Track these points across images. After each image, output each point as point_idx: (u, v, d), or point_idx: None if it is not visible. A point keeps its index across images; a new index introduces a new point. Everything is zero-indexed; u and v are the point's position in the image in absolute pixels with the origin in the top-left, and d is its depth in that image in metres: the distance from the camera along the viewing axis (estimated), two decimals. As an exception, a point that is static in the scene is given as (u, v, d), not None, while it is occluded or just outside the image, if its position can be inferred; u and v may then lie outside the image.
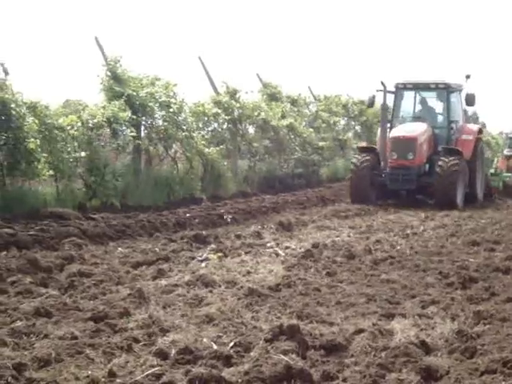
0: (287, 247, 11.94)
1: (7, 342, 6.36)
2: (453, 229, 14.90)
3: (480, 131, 22.30)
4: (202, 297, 8.36)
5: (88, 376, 5.47)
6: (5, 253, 10.75)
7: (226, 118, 21.83)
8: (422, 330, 6.92)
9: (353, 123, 31.70)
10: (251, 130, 23.97)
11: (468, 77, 21.92)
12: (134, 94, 17.62)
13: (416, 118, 21.60)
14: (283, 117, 24.86)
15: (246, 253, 11.40)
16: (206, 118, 21.21)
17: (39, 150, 13.92)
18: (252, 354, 6.11)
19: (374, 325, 7.01)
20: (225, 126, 22.27)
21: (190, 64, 22.45)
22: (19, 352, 6.09)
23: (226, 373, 5.56)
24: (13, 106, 13.56)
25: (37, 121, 14.23)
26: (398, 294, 8.68)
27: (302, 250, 11.69)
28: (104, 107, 16.71)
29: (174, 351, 6.10)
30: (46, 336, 6.62)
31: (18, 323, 7.05)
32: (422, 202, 20.74)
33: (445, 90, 21.59)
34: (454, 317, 7.45)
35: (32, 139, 13.76)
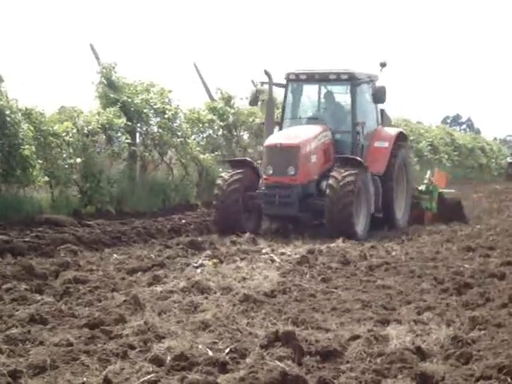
0: (282, 253, 11.95)
1: (2, 349, 6.35)
2: (448, 234, 14.92)
3: (402, 137, 16.88)
4: (197, 303, 8.35)
5: (83, 383, 5.49)
6: (0, 259, 10.73)
7: (221, 124, 21.85)
8: (417, 335, 6.92)
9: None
10: (246, 136, 23.98)
11: (383, 65, 16.38)
12: (129, 100, 17.62)
13: (312, 119, 16.22)
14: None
15: (242, 259, 11.40)
16: (200, 125, 21.21)
17: (34, 156, 13.91)
18: (247, 360, 6.12)
19: (369, 331, 7.02)
20: (220, 133, 22.27)
21: (184, 70, 22.52)
22: (14, 359, 6.08)
23: (222, 379, 5.57)
24: (8, 112, 13.56)
25: (32, 127, 14.24)
26: (394, 299, 8.69)
27: (298, 256, 11.70)
28: (99, 114, 16.71)
29: (169, 358, 6.10)
30: (41, 343, 6.62)
31: (14, 330, 7.03)
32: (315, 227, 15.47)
33: (349, 82, 16.05)
34: (450, 323, 7.46)
35: (27, 146, 13.75)
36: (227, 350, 6.33)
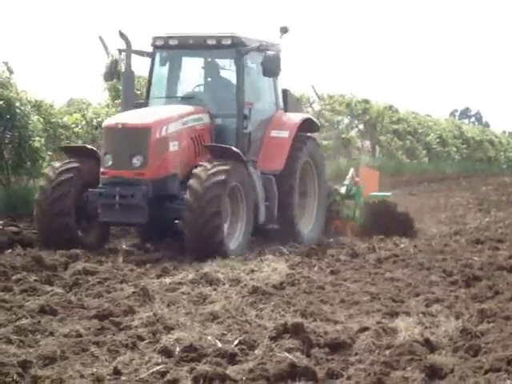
0: (291, 245, 11.95)
1: (13, 340, 6.40)
2: (456, 227, 14.90)
3: (310, 126, 13.11)
4: (206, 295, 8.39)
5: (93, 374, 5.49)
6: (10, 251, 10.78)
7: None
8: (426, 328, 6.93)
9: (356, 122, 31.69)
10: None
11: (284, 31, 12.89)
12: (139, 93, 17.62)
13: (186, 98, 12.37)
14: (287, 115, 24.82)
15: (250, 251, 11.41)
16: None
17: (44, 148, 13.98)
18: (256, 351, 6.14)
19: (378, 323, 7.03)
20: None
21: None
22: (24, 350, 6.13)
23: (231, 370, 5.59)
24: (17, 104, 13.62)
25: (41, 119, 14.28)
26: (402, 292, 8.69)
27: (306, 248, 11.70)
28: (108, 106, 16.74)
29: (178, 349, 6.13)
30: (51, 334, 6.66)
31: (23, 321, 7.07)
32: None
33: (233, 50, 12.12)
34: (458, 315, 7.46)
35: (37, 138, 13.81)
36: (236, 342, 6.35)
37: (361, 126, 31.82)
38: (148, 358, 5.91)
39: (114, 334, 6.65)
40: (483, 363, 5.73)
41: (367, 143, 31.53)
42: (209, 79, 12.79)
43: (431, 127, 35.95)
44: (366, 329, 6.79)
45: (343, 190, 14.11)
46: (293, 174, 12.44)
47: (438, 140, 35.52)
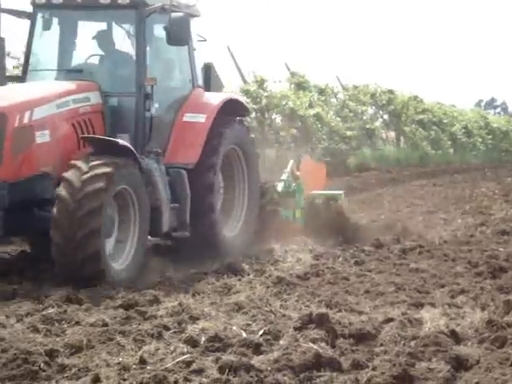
0: (315, 236, 11.92)
1: (39, 329, 6.46)
2: (482, 218, 14.81)
3: (236, 108, 10.71)
4: (230, 285, 8.41)
5: (119, 363, 5.52)
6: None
7: (254, 107, 21.85)
8: (451, 319, 6.90)
9: (381, 112, 31.59)
10: (278, 119, 23.97)
11: None
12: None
13: (74, 72, 9.85)
14: (310, 106, 24.82)
15: (275, 241, 11.39)
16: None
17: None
18: (281, 342, 6.14)
19: (403, 314, 7.01)
20: (252, 115, 22.29)
21: (218, 54, 22.45)
22: (51, 338, 6.18)
23: (256, 361, 5.59)
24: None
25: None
26: (427, 283, 8.66)
27: (332, 238, 11.67)
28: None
29: (203, 339, 6.14)
30: (77, 323, 6.71)
31: (50, 310, 7.14)
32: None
33: (132, 11, 9.72)
34: (484, 306, 7.42)
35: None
36: (261, 332, 6.36)
37: (385, 117, 31.72)
38: (173, 348, 5.92)
39: (139, 324, 6.69)
40: (509, 354, 5.70)
41: (392, 134, 31.43)
42: (103, 48, 10.12)
43: (456, 117, 35.78)
44: (390, 320, 6.77)
45: (280, 186, 11.78)
46: (211, 167, 9.97)
47: (463, 130, 35.34)
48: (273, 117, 23.55)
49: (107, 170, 8.44)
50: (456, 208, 16.88)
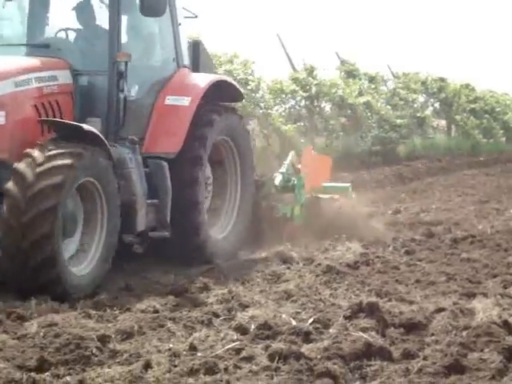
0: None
1: (91, 315, 6.54)
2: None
3: (227, 92, 9.59)
4: (280, 273, 8.41)
5: (170, 349, 5.56)
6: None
7: (304, 95, 21.78)
8: (504, 309, 6.80)
9: (431, 100, 31.27)
10: (328, 107, 23.88)
11: None
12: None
13: (39, 47, 8.68)
14: (360, 94, 24.67)
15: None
16: (283, 95, 21.20)
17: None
18: (331, 330, 6.12)
19: (454, 304, 6.94)
20: (302, 104, 22.23)
21: (268, 41, 22.47)
22: (103, 324, 6.25)
23: (306, 349, 5.58)
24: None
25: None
26: (479, 273, 8.56)
27: (381, 227, 11.60)
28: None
29: (253, 326, 6.15)
30: (128, 309, 6.77)
31: (102, 296, 7.22)
32: None
33: None
34: (537, 297, 7.32)
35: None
36: (311, 320, 6.35)
37: (436, 105, 31.39)
38: (223, 335, 5.94)
39: (189, 311, 6.72)
40: None
41: (443, 122, 31.09)
42: (76, 21, 9.06)
43: (509, 106, 35.25)
44: (442, 309, 6.71)
45: (278, 179, 10.66)
46: (197, 158, 8.87)
47: (516, 119, 34.82)
48: (322, 105, 23.46)
49: (67, 161, 7.23)
50: (508, 198, 16.61)
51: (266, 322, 6.16)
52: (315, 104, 22.84)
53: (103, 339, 5.69)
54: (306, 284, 7.81)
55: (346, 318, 6.39)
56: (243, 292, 7.44)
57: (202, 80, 9.29)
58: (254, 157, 10.21)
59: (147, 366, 5.11)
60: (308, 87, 21.97)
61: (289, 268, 8.72)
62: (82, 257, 7.66)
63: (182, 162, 8.78)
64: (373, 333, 5.96)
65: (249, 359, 5.32)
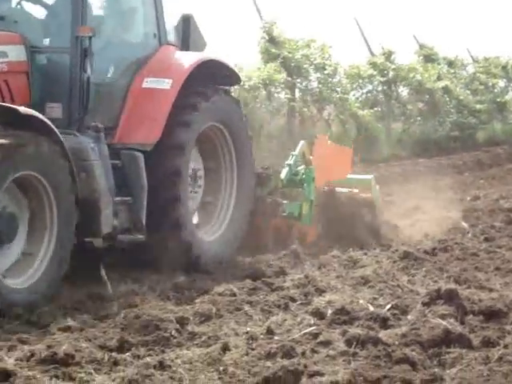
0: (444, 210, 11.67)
1: (170, 297, 6.64)
2: None
3: (219, 73, 8.43)
4: (356, 259, 8.38)
5: (247, 332, 5.59)
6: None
7: (381, 79, 21.60)
8: None
9: (512, 85, 30.66)
10: (405, 92, 23.63)
11: None
12: (290, 55, 17.71)
13: None
14: (439, 79, 24.33)
15: (401, 216, 11.26)
16: (360, 80, 21.06)
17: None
18: (409, 317, 6.07)
19: (536, 292, 6.81)
20: (379, 88, 22.05)
21: (345, 25, 22.31)
22: (181, 306, 6.33)
23: (383, 335, 5.55)
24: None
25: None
26: (562, 260, 8.36)
27: (459, 214, 11.44)
28: (260, 69, 16.90)
29: (330, 311, 6.14)
30: (206, 292, 6.84)
31: (180, 279, 7.31)
32: None
33: None
34: None
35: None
36: (388, 306, 6.31)
37: (517, 90, 30.74)
38: (300, 319, 5.96)
39: (266, 295, 6.76)
40: None
41: (524, 107, 30.45)
42: None
43: None
44: (522, 297, 6.59)
45: (284, 172, 9.24)
46: (178, 148, 7.75)
47: None
48: (399, 90, 23.23)
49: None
50: None
51: (343, 307, 6.14)
52: (392, 89, 22.63)
53: (182, 321, 5.77)
54: (384, 270, 7.75)
55: (424, 304, 6.32)
56: (320, 277, 7.43)
57: (187, 59, 8.10)
58: (252, 146, 8.85)
59: (225, 348, 5.15)
60: (385, 72, 21.77)
61: (366, 254, 8.68)
62: (21, 269, 6.37)
63: (161, 153, 7.62)
64: (451, 320, 5.88)
65: (326, 344, 5.31)
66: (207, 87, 8.17)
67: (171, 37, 8.27)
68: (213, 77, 8.29)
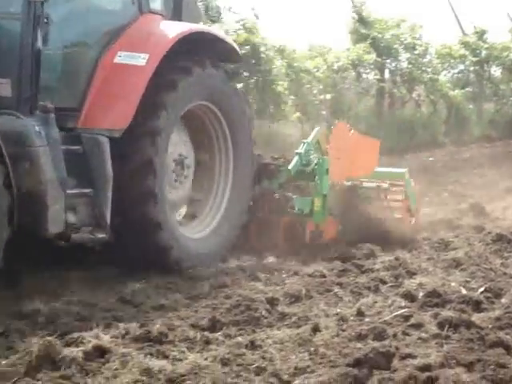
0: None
1: (260, 277, 6.67)
2: None
3: (213, 48, 7.28)
4: (447, 241, 8.27)
5: (337, 313, 5.57)
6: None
7: (473, 59, 21.18)
8: None
9: None
10: (498, 71, 23.11)
11: None
12: (380, 36, 17.55)
13: None
14: (534, 57, 23.73)
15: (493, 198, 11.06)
16: (452, 60, 20.70)
17: (286, 92, 14.31)
18: (503, 300, 5.96)
19: None
20: (471, 68, 21.63)
21: (436, 4, 21.96)
22: (271, 287, 6.35)
23: (476, 318, 5.46)
24: (262, 49, 14.02)
25: (284, 64, 14.61)
26: None
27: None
28: (349, 50, 16.81)
29: (421, 294, 6.07)
30: (295, 273, 6.85)
31: (270, 259, 7.34)
32: None
33: None
34: None
35: (280, 82, 14.17)
36: (481, 289, 6.20)
37: None
38: (391, 302, 5.90)
39: (356, 276, 6.74)
40: None
41: None
42: None
43: None
44: None
45: (293, 163, 8.16)
46: (152, 133, 6.64)
47: None
48: (492, 69, 22.74)
49: None
50: None
51: (435, 290, 6.06)
52: (485, 68, 22.17)
53: (272, 302, 5.78)
54: (476, 252, 7.63)
55: (518, 288, 6.21)
56: (410, 259, 7.37)
57: (171, 31, 6.89)
58: (251, 128, 7.71)
59: (315, 329, 5.14)
60: (478, 51, 21.34)
61: (457, 236, 8.56)
62: None
63: (132, 139, 6.53)
64: (548, 304, 5.76)
65: (417, 326, 5.25)
66: (189, 59, 6.96)
67: (156, 4, 7.05)
68: (205, 53, 7.12)
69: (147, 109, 6.57)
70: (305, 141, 8.39)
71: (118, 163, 6.41)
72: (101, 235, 6.32)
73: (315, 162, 8.15)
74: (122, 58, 6.63)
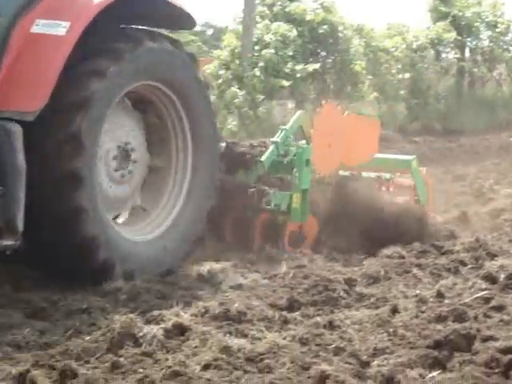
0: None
1: (337, 258, 6.65)
2: None
3: (161, 12, 6.09)
4: (529, 223, 8.11)
5: (416, 295, 5.51)
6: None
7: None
8: None
9: None
10: None
11: None
12: (460, 14, 17.25)
13: None
14: None
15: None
16: (534, 38, 20.24)
17: (364, 72, 14.19)
18: None
19: None
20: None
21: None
22: (349, 268, 6.33)
23: (561, 301, 5.35)
24: (340, 28, 13.92)
25: (362, 43, 14.50)
26: None
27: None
28: (428, 28, 16.58)
29: (502, 276, 5.95)
30: (373, 254, 6.80)
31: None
32: None
33: None
34: None
35: (358, 61, 14.06)
36: None
37: None
38: (471, 284, 5.80)
39: (435, 258, 6.65)
40: None
41: None
42: None
43: None
44: None
45: (266, 153, 7.23)
46: (80, 105, 5.52)
47: None
48: None
49: None
50: None
51: (517, 273, 5.96)
52: None
53: (350, 282, 5.77)
54: (560, 234, 7.48)
55: None
56: (491, 241, 7.23)
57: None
58: (215, 114, 6.73)
59: (394, 310, 5.11)
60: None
61: (541, 218, 8.40)
62: None
63: (49, 125, 5.42)
64: None
65: (499, 309, 5.16)
66: (125, 29, 6.03)
67: None
68: (149, 20, 6.15)
69: (73, 87, 5.50)
70: (283, 127, 7.38)
71: (31, 153, 5.24)
72: (11, 242, 5.15)
73: (293, 151, 7.18)
74: (39, 27, 5.53)
